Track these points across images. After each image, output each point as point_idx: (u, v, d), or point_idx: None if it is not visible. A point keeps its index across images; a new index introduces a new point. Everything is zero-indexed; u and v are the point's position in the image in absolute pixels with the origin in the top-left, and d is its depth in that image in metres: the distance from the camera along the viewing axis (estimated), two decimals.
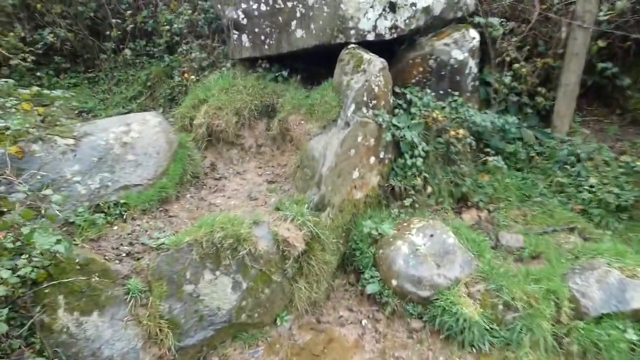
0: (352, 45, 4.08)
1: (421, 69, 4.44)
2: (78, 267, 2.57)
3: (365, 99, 3.87)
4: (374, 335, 3.21)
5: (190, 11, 5.73)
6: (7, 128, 2.84)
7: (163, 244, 2.88)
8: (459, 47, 4.37)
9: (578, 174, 4.40)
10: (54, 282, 2.40)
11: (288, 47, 4.30)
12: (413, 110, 4.30)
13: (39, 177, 3.04)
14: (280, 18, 4.26)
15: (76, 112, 6.41)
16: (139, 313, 2.63)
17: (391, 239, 3.56)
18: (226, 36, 4.81)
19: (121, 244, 3.04)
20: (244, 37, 4.63)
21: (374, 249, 3.61)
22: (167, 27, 5.78)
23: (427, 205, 4.28)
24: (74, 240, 2.90)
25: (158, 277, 2.75)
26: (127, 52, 6.60)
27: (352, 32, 4.02)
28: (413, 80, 4.49)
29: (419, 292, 3.24)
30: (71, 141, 3.42)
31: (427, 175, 4.24)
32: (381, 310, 3.40)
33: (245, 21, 4.55)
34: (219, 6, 4.81)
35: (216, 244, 2.86)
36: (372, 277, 3.49)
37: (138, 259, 2.87)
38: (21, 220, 2.26)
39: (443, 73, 4.44)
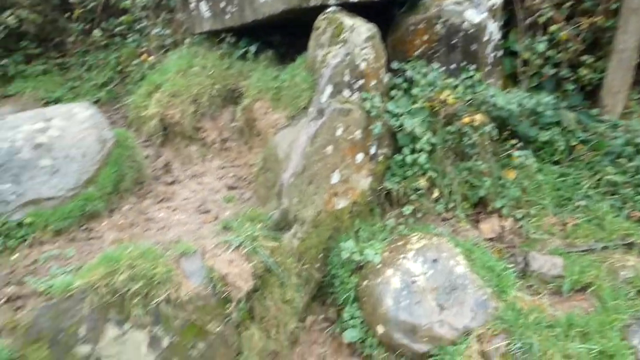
0: (332, 9, 3.12)
1: (426, 38, 3.43)
2: None
3: (347, 78, 2.93)
4: None
5: None
6: None
7: (52, 286, 2.10)
8: (475, 6, 3.32)
9: (637, 170, 3.34)
10: None
11: (252, 15, 3.37)
12: (415, 91, 3.32)
13: None
14: None
15: (43, 102, 5.73)
16: None
17: (379, 267, 2.66)
18: (184, 7, 3.92)
19: (7, 283, 2.28)
20: (203, 6, 3.73)
21: (356, 278, 2.73)
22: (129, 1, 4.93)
23: (433, 213, 3.34)
24: None
25: (35, 339, 1.97)
26: (97, 32, 5.81)
27: None
28: (416, 53, 3.49)
29: (413, 346, 2.35)
30: None
31: (433, 175, 3.29)
32: None
33: None
34: None
35: (119, 289, 2.05)
36: (352, 317, 2.62)
37: (18, 308, 2.11)
38: None
39: (454, 41, 3.41)
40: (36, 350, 1.96)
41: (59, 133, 2.96)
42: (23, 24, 5.91)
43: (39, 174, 2.78)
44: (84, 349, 2.03)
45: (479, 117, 3.28)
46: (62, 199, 2.79)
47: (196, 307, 2.21)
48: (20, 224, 2.61)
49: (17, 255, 2.51)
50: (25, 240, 2.58)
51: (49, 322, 2.00)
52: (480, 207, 3.51)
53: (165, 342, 2.17)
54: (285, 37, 3.98)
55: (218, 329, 2.29)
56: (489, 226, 3.38)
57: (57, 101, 5.67)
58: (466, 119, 3.26)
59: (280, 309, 2.48)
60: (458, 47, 3.44)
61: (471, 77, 3.49)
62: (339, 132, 2.88)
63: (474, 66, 3.50)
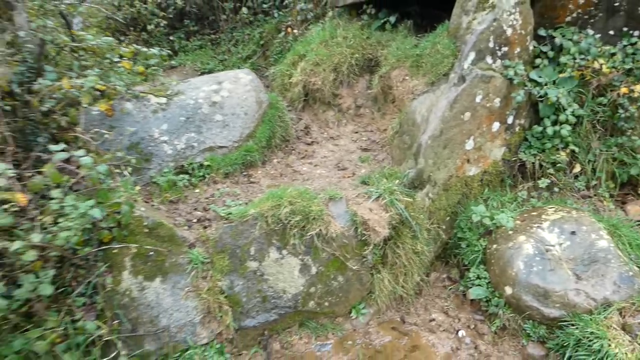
0: None
1: (582, 1, 3.20)
2: (146, 230, 2.48)
3: (491, 44, 2.94)
4: (473, 353, 2.51)
5: None
6: (96, 89, 2.85)
7: (230, 213, 2.63)
8: None
9: None
10: (119, 245, 2.35)
11: None
12: (564, 59, 3.16)
13: (128, 135, 3.08)
14: None
15: (199, 73, 6.71)
16: (200, 285, 2.46)
17: (510, 232, 2.70)
18: None
19: (195, 209, 2.91)
20: None
21: (485, 242, 2.81)
22: None
23: (571, 189, 3.20)
24: (152, 201, 2.87)
25: (220, 250, 2.52)
26: (244, 10, 6.54)
27: None
28: (568, 18, 3.29)
29: (544, 310, 2.38)
30: (163, 100, 3.38)
31: (575, 149, 3.14)
32: (487, 321, 2.65)
33: None
34: None
35: (282, 220, 2.48)
36: (478, 277, 2.73)
37: (205, 227, 2.70)
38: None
39: (617, 3, 3.12)
40: (220, 259, 2.51)
41: (228, 94, 3.54)
42: (187, 4, 6.92)
43: (214, 126, 3.39)
44: (252, 265, 2.54)
45: (639, 88, 3.00)
46: (230, 148, 3.38)
47: (340, 245, 2.56)
48: (201, 165, 3.25)
49: (198, 190, 3.15)
50: (204, 178, 3.21)
51: (230, 239, 2.53)
52: (628, 187, 3.24)
53: (314, 270, 2.58)
54: (423, 8, 4.04)
55: (355, 267, 2.63)
56: (638, 208, 3.12)
57: (209, 72, 6.59)
58: (623, 89, 3.01)
59: (410, 259, 2.70)
60: (621, 10, 3.15)
61: (633, 44, 3.18)
62: (478, 99, 2.93)
63: (637, 32, 3.17)
